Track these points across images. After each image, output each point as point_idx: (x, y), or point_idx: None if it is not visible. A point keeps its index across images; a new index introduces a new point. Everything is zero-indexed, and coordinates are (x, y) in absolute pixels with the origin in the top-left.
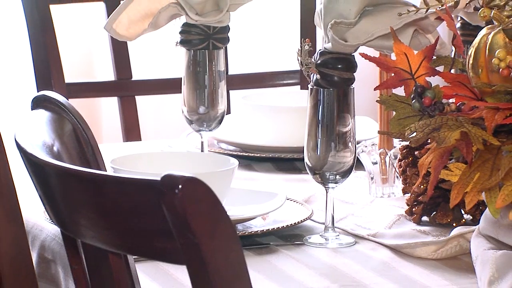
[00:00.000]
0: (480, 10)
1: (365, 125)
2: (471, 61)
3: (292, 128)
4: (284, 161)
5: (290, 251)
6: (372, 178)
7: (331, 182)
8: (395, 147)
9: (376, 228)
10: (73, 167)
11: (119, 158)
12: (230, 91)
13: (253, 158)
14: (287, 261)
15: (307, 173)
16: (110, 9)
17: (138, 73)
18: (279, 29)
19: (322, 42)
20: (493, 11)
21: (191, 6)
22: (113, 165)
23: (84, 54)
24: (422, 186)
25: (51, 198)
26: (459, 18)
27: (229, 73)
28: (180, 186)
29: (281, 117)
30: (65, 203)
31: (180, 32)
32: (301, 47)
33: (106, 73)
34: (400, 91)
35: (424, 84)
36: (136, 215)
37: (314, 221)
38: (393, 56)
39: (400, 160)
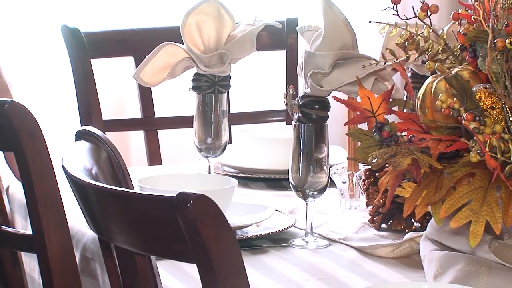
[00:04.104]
0: (426, 63)
1: (336, 152)
2: (419, 103)
3: (280, 155)
4: (273, 180)
5: (278, 251)
6: (342, 194)
7: (310, 197)
8: (360, 169)
9: (345, 233)
10: (108, 186)
11: (145, 179)
12: (232, 126)
13: (249, 178)
14: (276, 260)
15: (292, 190)
16: (137, 62)
17: (160, 111)
18: (269, 77)
19: (303, 88)
20: (436, 64)
21: (200, 60)
22: (139, 184)
23: (117, 97)
24: (381, 200)
25: (90, 211)
26: (410, 69)
27: (231, 111)
28: (191, 202)
29: (271, 146)
30: (101, 214)
31: (192, 80)
32: (286, 91)
33: (135, 111)
34: (364, 126)
35: (383, 121)
36: (157, 224)
37: (297, 228)
38: (359, 99)
39: (364, 180)
